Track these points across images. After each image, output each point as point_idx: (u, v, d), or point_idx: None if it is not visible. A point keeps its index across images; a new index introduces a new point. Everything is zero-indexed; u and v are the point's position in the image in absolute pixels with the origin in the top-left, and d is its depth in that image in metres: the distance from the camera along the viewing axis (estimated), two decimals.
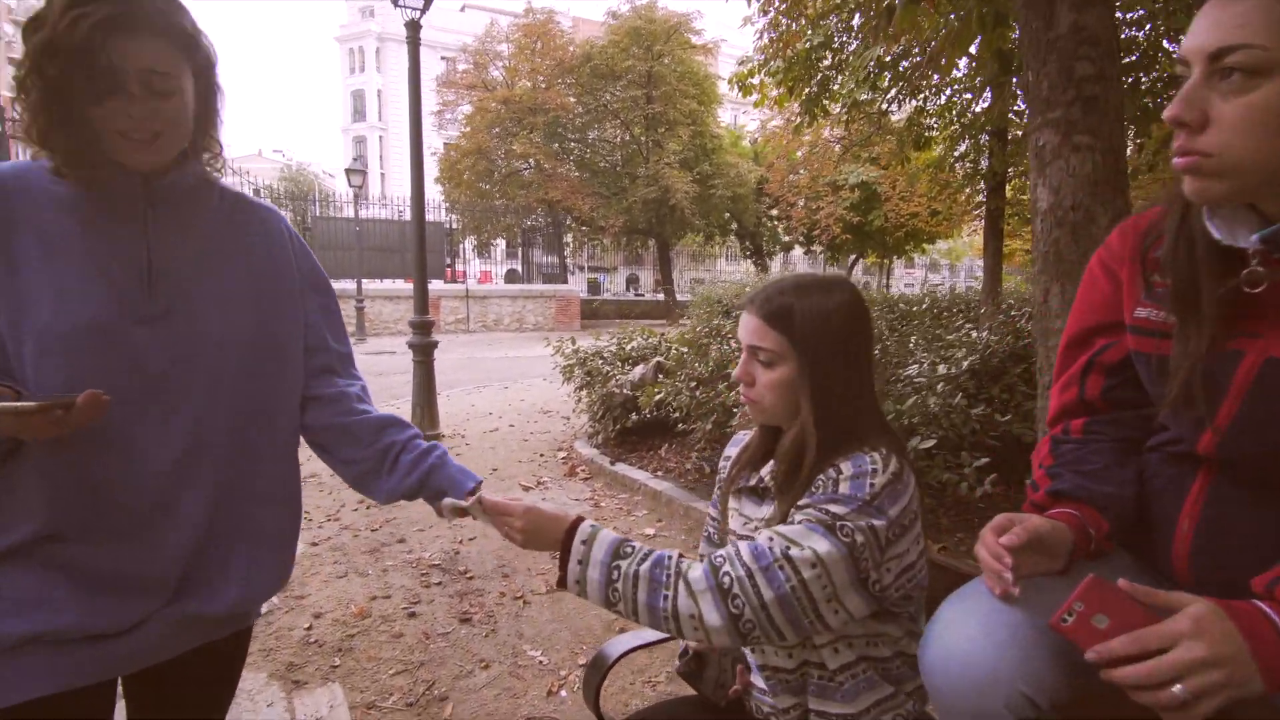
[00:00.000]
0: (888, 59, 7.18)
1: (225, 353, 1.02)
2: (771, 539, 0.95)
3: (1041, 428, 3.15)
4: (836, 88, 7.72)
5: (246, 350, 1.05)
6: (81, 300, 0.92)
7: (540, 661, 2.50)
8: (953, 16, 4.90)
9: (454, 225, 22.11)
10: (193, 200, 1.05)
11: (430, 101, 22.53)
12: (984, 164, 9.33)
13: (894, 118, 9.79)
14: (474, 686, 2.36)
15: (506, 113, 22.02)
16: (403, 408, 6.84)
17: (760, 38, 7.53)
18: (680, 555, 0.99)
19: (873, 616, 1.03)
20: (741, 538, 1.12)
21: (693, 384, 4.15)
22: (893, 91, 7.97)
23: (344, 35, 49.22)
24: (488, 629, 2.73)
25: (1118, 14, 2.88)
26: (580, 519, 1.02)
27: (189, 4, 0.97)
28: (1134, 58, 6.30)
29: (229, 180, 1.16)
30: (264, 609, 2.84)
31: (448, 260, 21.25)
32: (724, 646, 1.15)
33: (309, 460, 4.30)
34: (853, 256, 25.09)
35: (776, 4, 6.76)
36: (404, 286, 18.54)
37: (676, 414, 4.25)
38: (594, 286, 36.47)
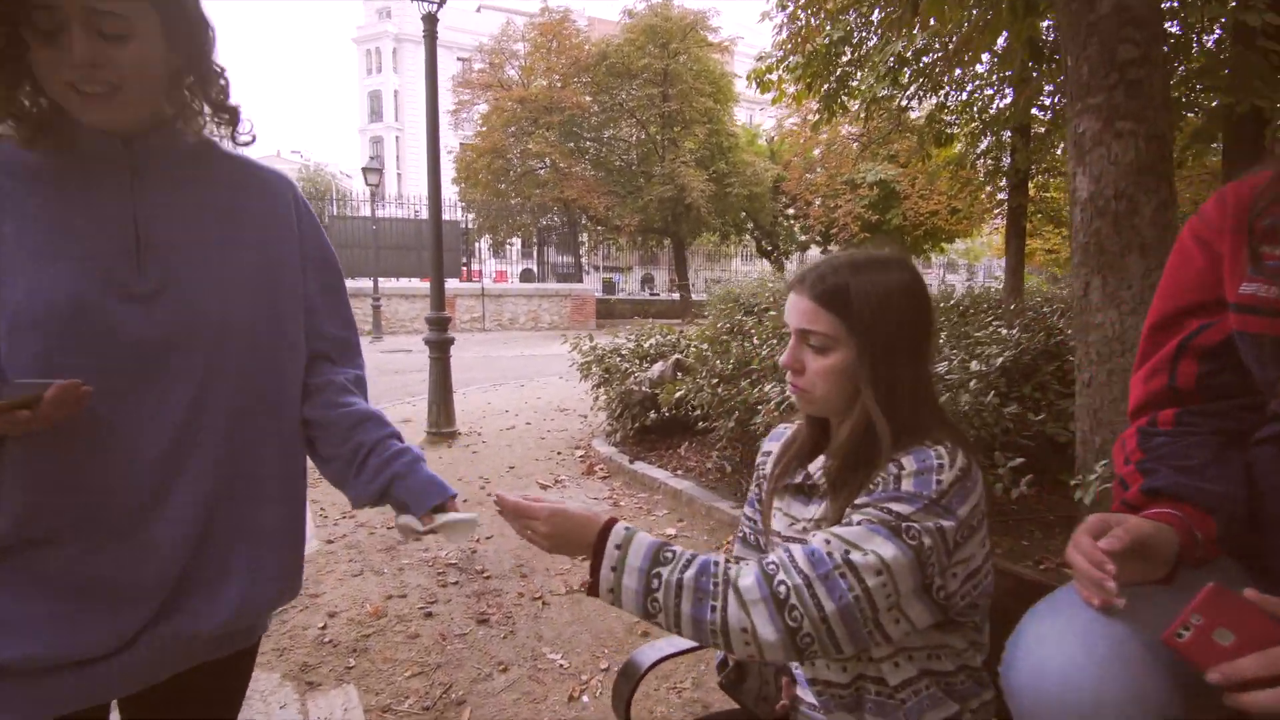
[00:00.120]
0: (908, 54, 7.07)
1: (225, 335, 0.92)
2: (829, 542, 0.86)
3: (1080, 427, 3.03)
4: (856, 84, 7.60)
5: (248, 332, 0.95)
6: (60, 277, 0.82)
7: (561, 665, 2.42)
8: (981, 6, 4.76)
9: (469, 225, 22.13)
10: (187, 165, 0.95)
11: (446, 101, 22.53)
12: (1006, 161, 9.18)
13: (913, 115, 9.65)
14: (492, 690, 2.28)
15: (522, 112, 22.01)
16: (419, 405, 6.81)
17: (779, 32, 7.43)
18: (728, 560, 0.89)
19: (935, 627, 0.93)
20: (787, 539, 1.03)
21: (714, 381, 4.06)
22: (913, 87, 7.85)
23: (361, 36, 49.51)
24: (506, 630, 2.65)
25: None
26: (613, 521, 0.91)
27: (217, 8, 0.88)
28: (1164, 49, 6.14)
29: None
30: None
31: (463, 260, 21.28)
32: (776, 662, 1.05)
33: None
34: None
35: None
36: (420, 285, 18.58)
37: (697, 412, 4.16)
38: (609, 286, 36.42)
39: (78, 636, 0.84)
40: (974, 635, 0.99)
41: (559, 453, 5.34)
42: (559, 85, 22.35)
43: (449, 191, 23.19)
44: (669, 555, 0.88)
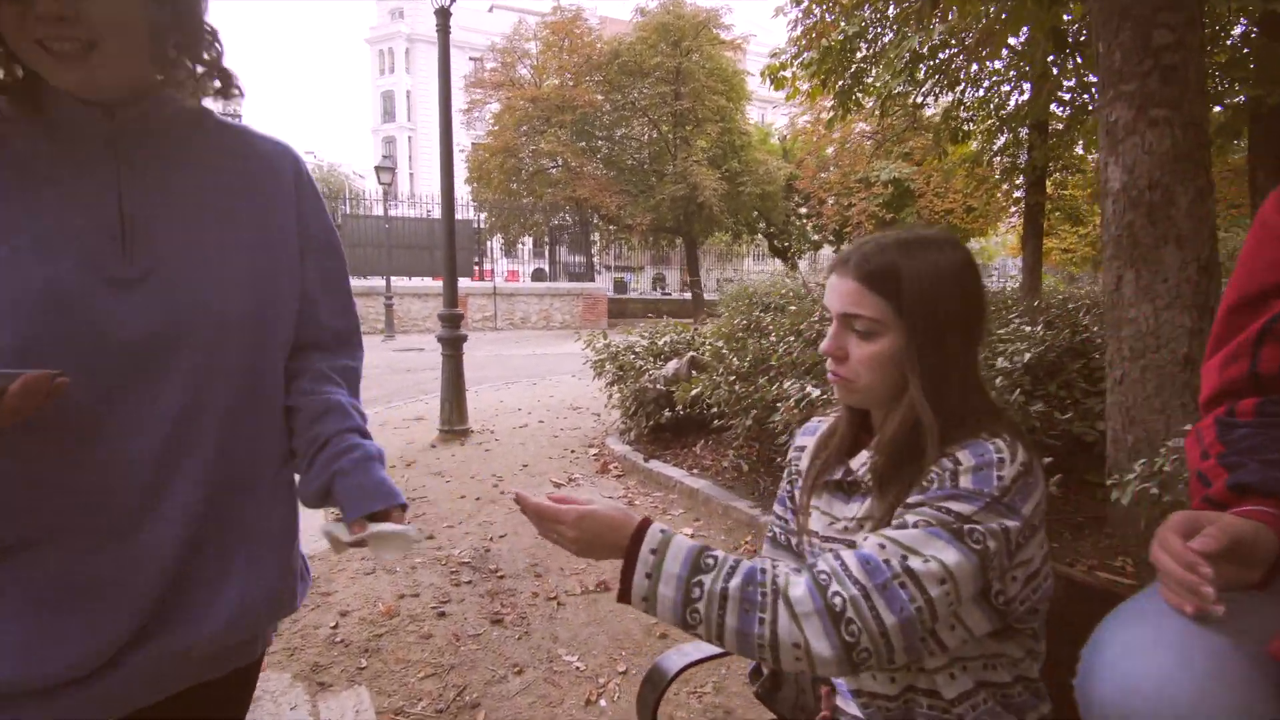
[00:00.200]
0: (923, 50, 6.97)
1: (219, 324, 0.83)
2: (884, 547, 0.79)
3: (1111, 425, 2.94)
4: (870, 80, 7.51)
5: (245, 321, 0.86)
6: (35, 262, 0.74)
7: (577, 668, 2.35)
8: None
9: (481, 224, 22.15)
10: (178, 136, 0.85)
11: (458, 100, 22.56)
12: (1023, 158, 9.04)
13: (928, 112, 9.53)
14: (507, 693, 2.22)
15: (534, 111, 21.99)
16: (431, 403, 6.77)
17: (793, 28, 7.35)
18: (775, 565, 0.82)
19: (991, 635, 0.86)
20: (826, 539, 0.97)
21: (731, 378, 3.98)
22: (928, 83, 7.75)
23: (374, 37, 49.75)
24: (520, 631, 2.59)
25: None
26: (647, 522, 0.84)
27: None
28: (1200, 32, 6.01)
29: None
30: None
31: (475, 259, 21.31)
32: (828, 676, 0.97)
33: None
34: None
35: None
36: (432, 284, 18.61)
37: (714, 409, 4.09)
38: (620, 286, 36.41)
39: (57, 653, 0.75)
40: (1031, 643, 0.92)
41: (572, 451, 5.29)
42: (571, 84, 22.31)
43: (461, 191, 23.23)
44: (710, 561, 0.81)
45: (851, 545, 0.92)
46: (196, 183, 0.86)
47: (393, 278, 16.84)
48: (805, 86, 7.45)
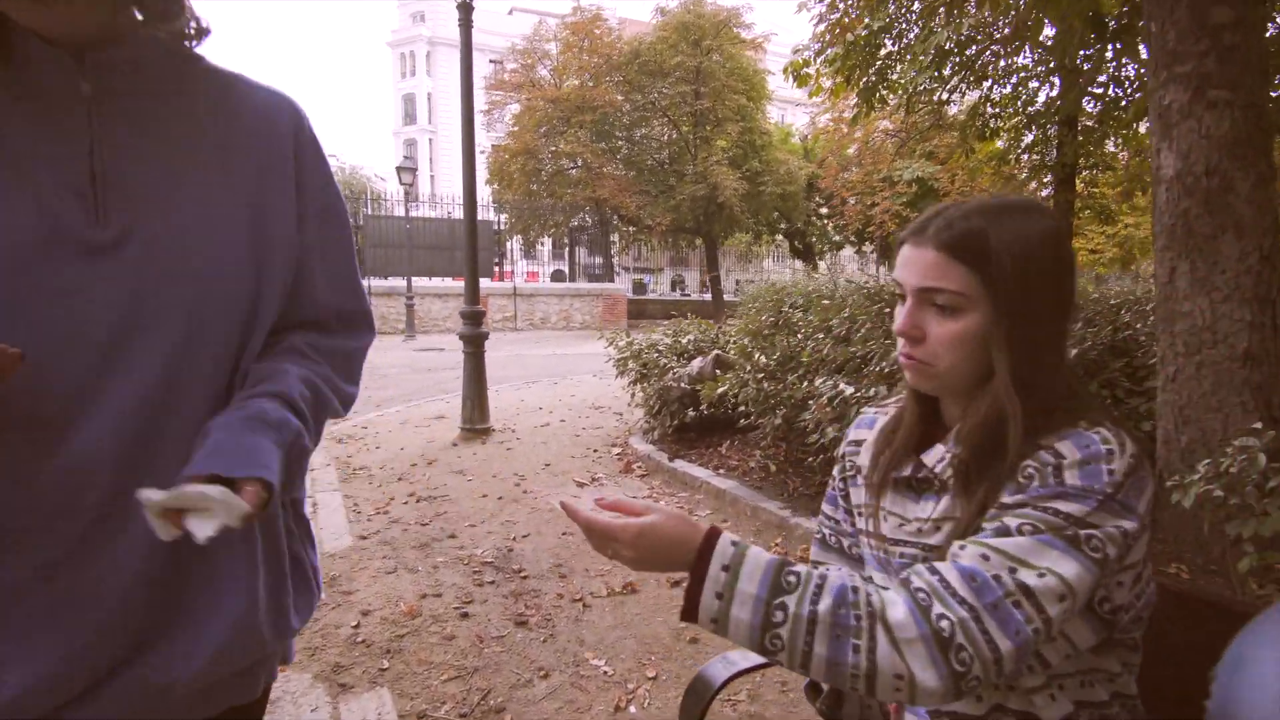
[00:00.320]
0: (949, 46, 6.82)
1: (204, 297, 0.72)
2: (987, 558, 0.69)
3: (1163, 425, 2.80)
4: (895, 76, 7.37)
5: (237, 292, 0.75)
6: None
7: (605, 672, 2.27)
8: None
9: (501, 226, 22.19)
10: (159, 82, 0.74)
11: (478, 102, 22.64)
12: (1052, 156, 8.84)
13: (953, 110, 9.36)
14: (533, 698, 2.14)
15: (554, 111, 22.00)
16: (452, 402, 6.74)
17: (817, 24, 7.23)
18: (866, 582, 0.73)
19: (1091, 648, 0.77)
20: (895, 542, 0.87)
21: (759, 376, 3.88)
22: (955, 79, 7.59)
23: (395, 40, 50.15)
24: (545, 633, 2.52)
25: None
26: (715, 533, 0.74)
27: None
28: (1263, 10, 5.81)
29: None
30: None
31: (495, 260, 21.35)
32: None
33: (358, 452, 4.14)
34: None
35: None
36: (452, 285, 18.67)
37: (742, 408, 3.99)
38: (639, 287, 36.30)
39: (14, 680, 0.65)
40: (1129, 655, 0.82)
41: (595, 450, 5.21)
42: (591, 84, 22.29)
43: (482, 193, 23.29)
44: (793, 579, 0.71)
45: (926, 549, 0.83)
46: (181, 135, 0.75)
47: (413, 278, 16.90)
48: (828, 83, 7.33)
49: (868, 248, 25.50)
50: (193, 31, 0.76)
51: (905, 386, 0.93)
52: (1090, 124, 8.10)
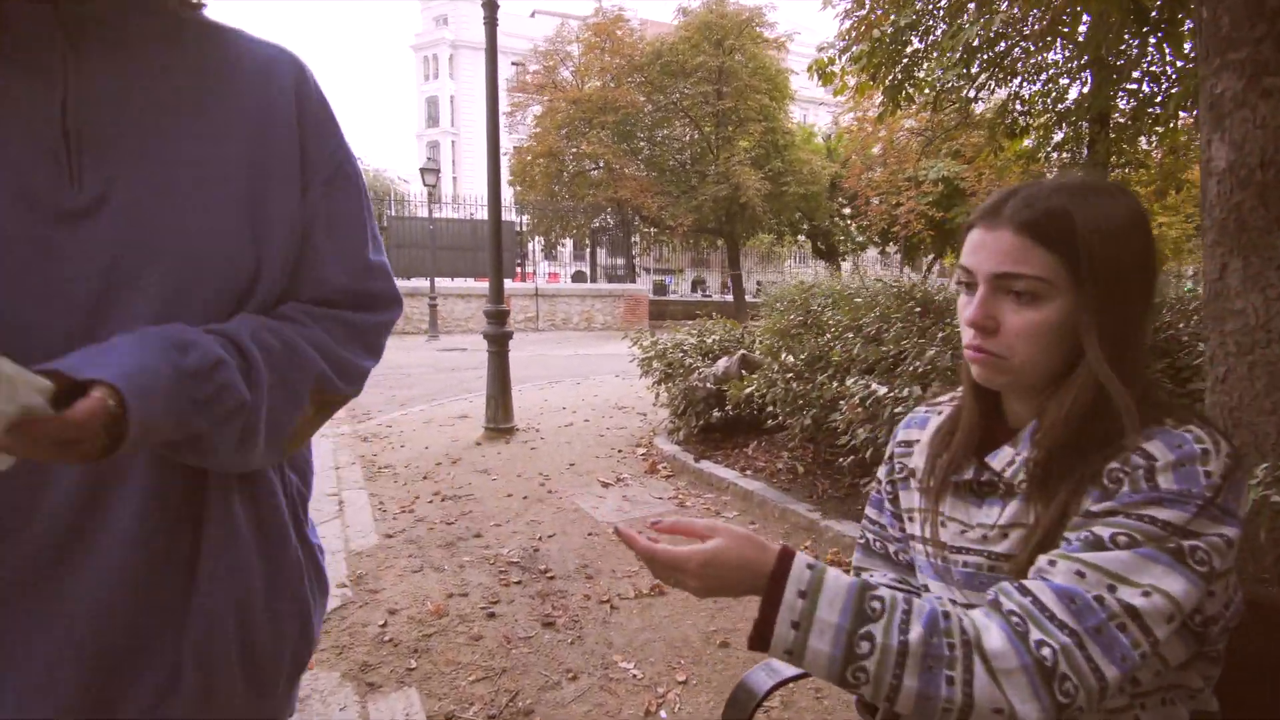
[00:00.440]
0: (976, 44, 6.70)
1: (190, 271, 0.64)
2: (1082, 574, 0.64)
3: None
4: (922, 74, 7.26)
5: (228, 263, 0.67)
6: None
7: (634, 675, 2.23)
8: None
9: (524, 227, 22.27)
10: (144, 34, 0.67)
11: (501, 104, 22.81)
12: (1084, 154, 8.66)
13: (979, 108, 9.20)
14: (561, 700, 2.11)
15: (576, 112, 22.04)
16: (476, 402, 6.74)
17: (842, 20, 7.14)
18: (954, 605, 0.68)
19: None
20: (957, 550, 0.82)
21: (788, 376, 3.82)
22: (983, 77, 7.47)
23: (419, 43, 50.65)
24: (573, 635, 2.48)
25: None
26: (789, 555, 0.68)
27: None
28: None
29: None
30: (336, 602, 2.69)
31: (517, 261, 21.43)
32: None
33: (383, 450, 4.13)
34: (930, 257, 24.07)
35: None
36: (475, 285, 18.77)
37: (770, 408, 3.93)
38: (659, 288, 36.28)
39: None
40: (1209, 669, 0.76)
41: (619, 450, 5.17)
42: (612, 85, 22.31)
43: (505, 194, 23.42)
44: (877, 605, 0.66)
45: (992, 556, 0.78)
46: (166, 90, 0.67)
47: (436, 279, 17.01)
48: (854, 81, 7.23)
49: (891, 248, 25.22)
50: None
51: (964, 382, 0.88)
52: (1123, 120, 7.92)
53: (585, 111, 21.97)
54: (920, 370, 3.07)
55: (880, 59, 6.88)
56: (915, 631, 0.64)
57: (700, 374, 4.89)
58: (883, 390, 3.04)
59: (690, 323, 6.07)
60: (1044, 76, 8.03)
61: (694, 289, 41.35)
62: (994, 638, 0.63)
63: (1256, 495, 2.03)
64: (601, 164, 22.49)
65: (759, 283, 32.26)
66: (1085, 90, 7.90)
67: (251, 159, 0.69)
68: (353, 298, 0.77)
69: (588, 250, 25.48)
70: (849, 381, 3.29)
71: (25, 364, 0.49)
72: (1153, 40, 5.48)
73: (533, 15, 47.74)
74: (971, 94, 7.99)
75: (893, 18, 6.73)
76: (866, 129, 17.93)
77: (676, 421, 5.11)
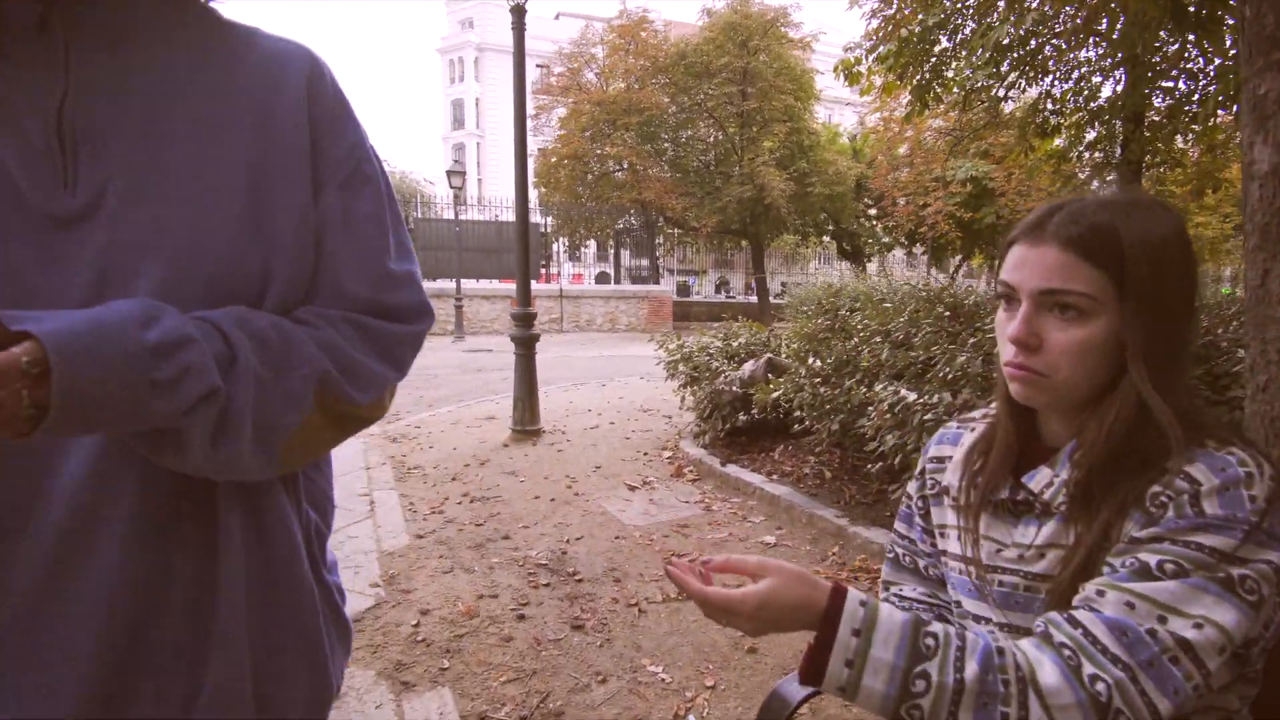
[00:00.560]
0: (1006, 42, 6.61)
1: (187, 270, 0.61)
2: (1132, 606, 0.64)
3: (1256, 434, 2.64)
4: (951, 74, 7.18)
5: (230, 269, 0.63)
6: None
7: (663, 679, 2.25)
8: None
9: (548, 228, 22.42)
10: (147, 26, 0.64)
11: (527, 106, 22.95)
12: (1118, 154, 8.50)
13: (1008, 107, 9.07)
14: (591, 703, 2.13)
15: (600, 114, 22.12)
16: (503, 404, 6.81)
17: (869, 20, 7.09)
18: (1007, 640, 0.69)
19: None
20: (991, 570, 0.82)
21: (815, 380, 3.81)
22: (1013, 75, 7.36)
23: (445, 47, 51.13)
24: (602, 638, 2.50)
25: None
26: (841, 593, 0.69)
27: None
28: None
29: None
30: (370, 601, 2.75)
31: (542, 262, 21.57)
32: None
33: (411, 451, 4.19)
34: (958, 258, 23.78)
35: None
36: (500, 287, 18.92)
37: (799, 412, 3.92)
38: (683, 289, 36.24)
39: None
40: (1246, 689, 0.76)
41: (645, 453, 5.19)
42: (637, 87, 22.35)
43: (530, 195, 23.58)
44: (931, 642, 0.66)
45: (1029, 577, 0.79)
46: (168, 92, 0.64)
47: (462, 280, 17.18)
48: (880, 81, 7.18)
49: (918, 249, 24.97)
50: None
51: (1000, 400, 0.88)
52: (1158, 119, 7.77)
53: (610, 113, 22.04)
54: (950, 377, 3.05)
55: (908, 58, 6.81)
56: (970, 669, 0.64)
57: (726, 377, 4.89)
58: (912, 397, 3.03)
59: (715, 325, 6.07)
60: (1076, 75, 7.89)
61: (718, 290, 41.26)
62: (1048, 673, 0.63)
63: None
64: (626, 165, 22.54)
65: (783, 284, 32.11)
66: (1119, 88, 7.76)
67: (251, 159, 0.66)
68: (372, 308, 0.71)
69: (612, 251, 25.57)
70: (877, 387, 3.27)
71: None
72: (1190, 38, 5.36)
73: (557, 17, 47.98)
74: (1001, 93, 7.88)
75: (920, 16, 6.66)
76: (893, 129, 17.78)
77: (702, 425, 5.12)
